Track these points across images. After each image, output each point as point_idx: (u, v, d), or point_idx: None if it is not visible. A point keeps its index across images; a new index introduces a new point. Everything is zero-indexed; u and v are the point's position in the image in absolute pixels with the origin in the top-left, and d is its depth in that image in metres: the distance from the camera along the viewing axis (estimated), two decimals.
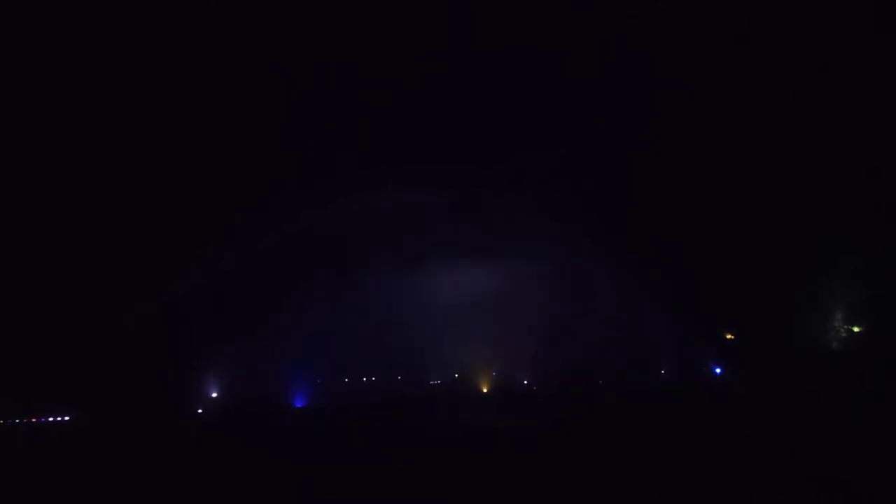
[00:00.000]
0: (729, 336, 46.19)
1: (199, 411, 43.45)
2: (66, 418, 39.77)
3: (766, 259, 41.11)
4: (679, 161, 42.35)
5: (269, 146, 42.59)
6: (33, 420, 39.16)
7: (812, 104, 37.53)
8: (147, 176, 42.46)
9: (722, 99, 39.76)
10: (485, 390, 49.26)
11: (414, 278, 46.22)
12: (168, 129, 41.89)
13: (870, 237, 37.42)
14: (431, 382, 50.32)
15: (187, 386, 43.23)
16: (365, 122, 42.17)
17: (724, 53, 37.93)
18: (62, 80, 38.81)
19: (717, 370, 46.36)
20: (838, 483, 18.61)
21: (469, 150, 42.91)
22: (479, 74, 40.64)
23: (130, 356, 40.65)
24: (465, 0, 37.03)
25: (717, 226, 42.67)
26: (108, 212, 42.50)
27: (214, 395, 44.41)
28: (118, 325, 41.28)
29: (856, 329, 40.05)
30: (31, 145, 39.61)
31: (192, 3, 36.98)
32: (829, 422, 27.59)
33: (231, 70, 40.57)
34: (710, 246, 42.98)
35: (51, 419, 39.54)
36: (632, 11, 36.81)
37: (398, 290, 46.12)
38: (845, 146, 37.35)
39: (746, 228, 41.86)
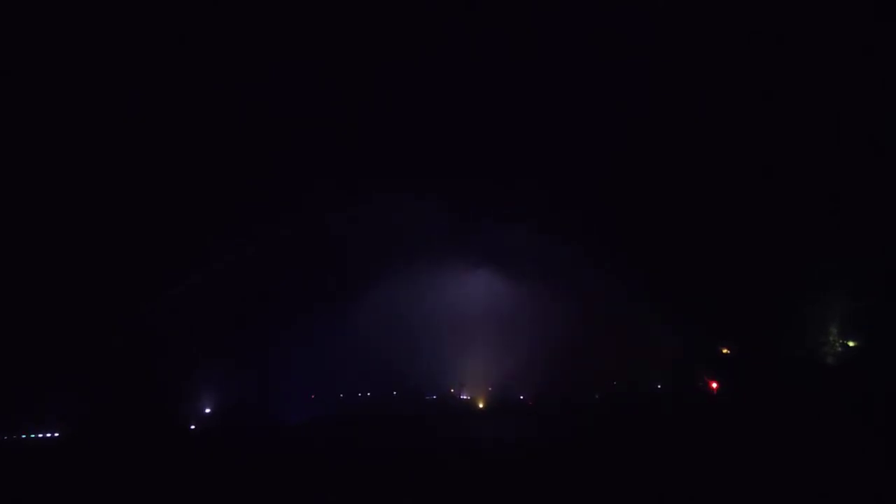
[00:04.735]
0: (725, 351, 46.52)
1: (192, 427, 42.69)
2: (56, 434, 38.78)
3: (762, 273, 41.60)
4: (677, 177, 42.92)
5: (267, 156, 42.40)
6: (22, 436, 38.14)
7: (809, 118, 38.28)
8: (137, 185, 41.90)
9: (726, 114, 40.44)
10: (481, 406, 49.03)
11: (411, 294, 46.09)
12: (163, 138, 41.58)
13: (865, 251, 38.04)
14: (427, 397, 49.96)
15: (179, 402, 42.45)
16: (366, 133, 42.26)
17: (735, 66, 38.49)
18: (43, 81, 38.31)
19: (713, 385, 46.56)
20: (833, 495, 18.83)
21: (468, 163, 43.19)
22: (486, 89, 41.03)
23: (120, 370, 39.84)
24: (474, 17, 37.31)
25: (714, 241, 43.18)
26: (98, 222, 41.81)
27: (207, 410, 43.72)
28: (107, 338, 40.56)
29: (851, 343, 40.55)
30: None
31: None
32: (825, 436, 27.88)
33: (229, 80, 40.55)
34: (706, 261, 43.43)
35: (39, 435, 38.51)
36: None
37: (394, 306, 45.91)
38: (843, 160, 38.07)
39: (742, 243, 42.42)
